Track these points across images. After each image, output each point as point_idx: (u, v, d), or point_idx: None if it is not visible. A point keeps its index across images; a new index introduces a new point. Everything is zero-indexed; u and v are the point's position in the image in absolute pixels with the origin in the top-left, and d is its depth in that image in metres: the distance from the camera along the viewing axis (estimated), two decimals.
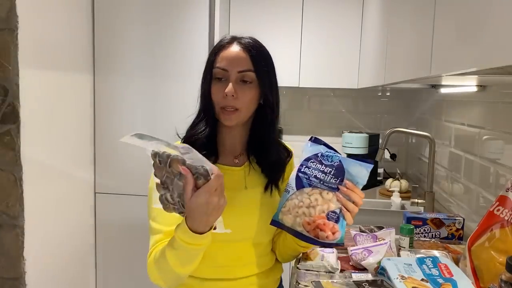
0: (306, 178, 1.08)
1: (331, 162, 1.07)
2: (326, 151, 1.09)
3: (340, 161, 1.07)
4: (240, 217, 1.14)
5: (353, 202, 1.05)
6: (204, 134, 1.16)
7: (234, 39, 1.16)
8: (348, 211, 1.05)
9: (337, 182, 1.05)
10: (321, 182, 1.06)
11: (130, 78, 2.41)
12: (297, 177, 1.09)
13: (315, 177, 1.07)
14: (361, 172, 1.05)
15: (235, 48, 1.14)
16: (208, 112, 1.16)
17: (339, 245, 1.10)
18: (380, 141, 2.84)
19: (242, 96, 1.11)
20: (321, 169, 1.07)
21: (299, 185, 1.09)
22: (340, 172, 1.05)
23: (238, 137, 1.22)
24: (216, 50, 1.16)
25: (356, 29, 2.77)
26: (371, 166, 1.05)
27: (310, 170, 1.08)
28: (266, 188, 1.21)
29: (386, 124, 3.18)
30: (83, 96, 2.38)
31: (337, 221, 1.04)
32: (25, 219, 1.86)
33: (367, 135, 2.72)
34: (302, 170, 1.09)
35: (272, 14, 2.79)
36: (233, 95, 1.10)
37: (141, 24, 2.39)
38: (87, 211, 2.44)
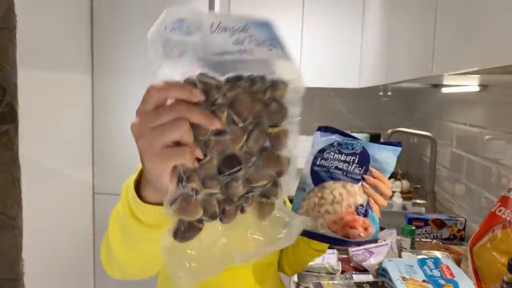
0: (325, 171, 0.92)
1: (352, 149, 0.91)
2: (343, 139, 0.93)
3: (363, 147, 0.91)
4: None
5: (381, 194, 0.90)
6: None
7: None
8: (377, 203, 0.90)
9: (362, 171, 0.90)
10: (344, 174, 0.91)
11: (129, 79, 2.41)
12: (313, 171, 0.93)
13: (336, 168, 0.91)
14: (388, 157, 0.90)
15: None
16: None
17: (373, 242, 0.91)
18: (382, 141, 2.83)
19: None
20: (341, 158, 0.91)
21: (317, 180, 0.92)
22: (364, 159, 0.90)
23: None
24: None
25: (357, 28, 2.76)
26: (399, 149, 0.91)
27: (328, 161, 0.92)
28: None
29: (388, 124, 3.17)
30: (82, 96, 2.37)
31: (365, 215, 0.89)
32: (23, 220, 1.85)
33: (368, 135, 2.71)
34: (318, 163, 0.93)
35: (272, 13, 2.78)
36: None
37: (140, 24, 2.38)
38: (86, 212, 2.44)
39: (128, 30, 2.39)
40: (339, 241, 0.90)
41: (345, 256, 1.50)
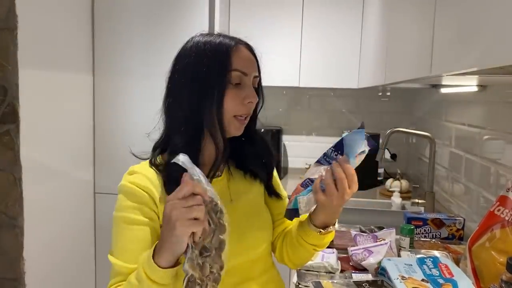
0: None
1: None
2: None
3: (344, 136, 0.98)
4: (232, 236, 0.96)
5: (336, 179, 0.93)
6: (196, 153, 1.01)
7: (239, 40, 1.03)
8: (323, 179, 0.94)
9: (337, 156, 0.96)
10: (324, 157, 0.99)
11: (130, 78, 2.41)
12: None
13: (324, 153, 0.99)
14: (354, 140, 0.95)
15: (246, 51, 1.02)
16: (212, 123, 0.99)
17: (295, 213, 0.99)
18: (381, 141, 2.83)
19: (255, 103, 1.03)
20: (331, 147, 0.99)
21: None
22: (339, 144, 0.96)
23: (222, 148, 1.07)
24: (227, 51, 0.99)
25: (356, 28, 2.77)
26: (363, 130, 0.95)
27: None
28: (269, 193, 1.15)
29: (387, 124, 3.17)
30: (83, 96, 2.38)
31: (305, 187, 0.98)
32: (24, 220, 1.86)
33: (367, 135, 2.72)
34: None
35: (272, 13, 2.79)
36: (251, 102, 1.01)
37: (141, 24, 2.39)
38: (87, 212, 2.44)
39: (129, 30, 2.39)
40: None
41: (344, 255, 1.50)
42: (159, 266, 0.83)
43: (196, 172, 0.84)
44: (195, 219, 0.79)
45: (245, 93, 0.99)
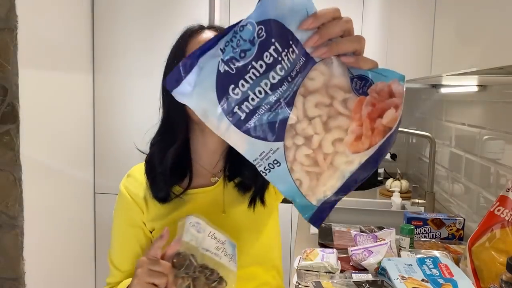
0: None
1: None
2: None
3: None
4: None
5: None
6: (173, 150, 0.95)
7: (204, 27, 0.97)
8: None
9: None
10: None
11: (130, 78, 2.41)
12: None
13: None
14: None
15: (207, 34, 0.94)
16: (179, 118, 0.95)
17: None
18: None
19: None
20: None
21: None
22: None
23: (219, 148, 1.01)
24: (184, 36, 0.95)
25: (356, 28, 2.76)
26: None
27: None
28: (250, 203, 1.02)
29: None
30: (83, 96, 2.38)
31: None
32: (24, 219, 1.86)
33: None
34: None
35: None
36: None
37: (140, 23, 2.39)
38: (87, 211, 2.44)
39: (129, 29, 2.39)
40: None
41: (344, 255, 1.50)
42: None
43: (198, 234, 0.81)
44: (155, 285, 0.78)
45: None
